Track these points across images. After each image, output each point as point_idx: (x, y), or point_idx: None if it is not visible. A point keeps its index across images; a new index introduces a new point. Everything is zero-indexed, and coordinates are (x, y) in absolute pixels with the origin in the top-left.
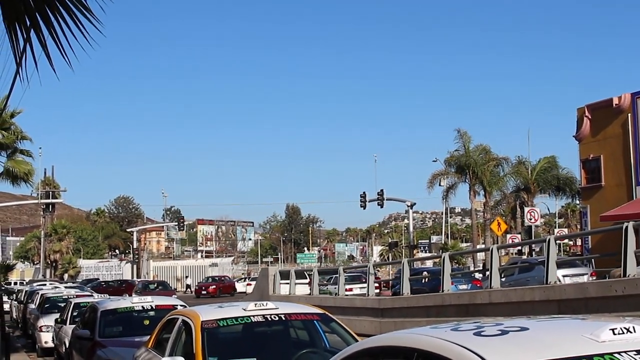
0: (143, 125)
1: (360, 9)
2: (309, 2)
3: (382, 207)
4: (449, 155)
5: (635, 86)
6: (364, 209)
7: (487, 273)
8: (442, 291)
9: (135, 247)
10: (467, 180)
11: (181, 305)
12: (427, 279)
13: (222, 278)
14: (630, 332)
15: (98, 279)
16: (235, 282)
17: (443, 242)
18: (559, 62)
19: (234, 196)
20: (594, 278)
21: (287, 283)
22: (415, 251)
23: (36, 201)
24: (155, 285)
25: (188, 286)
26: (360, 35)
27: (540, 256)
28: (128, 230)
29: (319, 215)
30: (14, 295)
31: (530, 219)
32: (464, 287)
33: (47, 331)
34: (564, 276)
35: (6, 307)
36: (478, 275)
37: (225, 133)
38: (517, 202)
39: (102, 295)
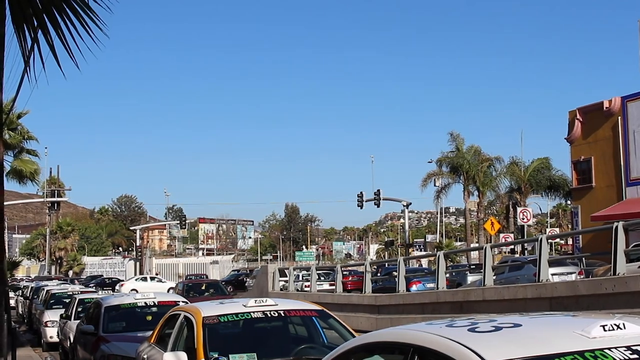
0: (147, 125)
1: (356, 11)
2: (306, 4)
3: (378, 206)
4: (442, 156)
5: (625, 90)
6: (361, 208)
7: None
8: (437, 289)
9: (138, 244)
10: (461, 181)
11: (182, 302)
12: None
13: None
14: (620, 329)
15: (102, 275)
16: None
17: (438, 241)
18: (552, 65)
19: (235, 195)
20: (582, 277)
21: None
22: (410, 250)
23: (42, 200)
24: (205, 286)
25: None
26: (358, 38)
27: (532, 255)
28: (131, 228)
29: (317, 215)
30: (20, 291)
31: (523, 219)
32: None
33: (52, 326)
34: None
35: (12, 302)
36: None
37: (226, 134)
38: (510, 202)
39: None
